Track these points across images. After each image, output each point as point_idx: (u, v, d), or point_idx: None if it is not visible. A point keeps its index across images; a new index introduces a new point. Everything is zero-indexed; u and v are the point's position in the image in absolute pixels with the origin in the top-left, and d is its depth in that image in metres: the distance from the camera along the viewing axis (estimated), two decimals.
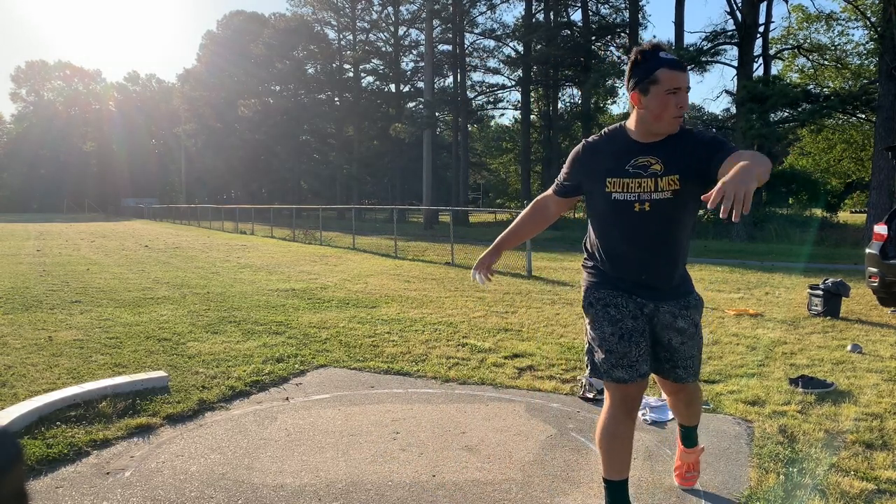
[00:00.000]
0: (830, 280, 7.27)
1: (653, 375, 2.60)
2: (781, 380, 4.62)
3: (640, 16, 28.60)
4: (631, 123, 2.44)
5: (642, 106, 2.37)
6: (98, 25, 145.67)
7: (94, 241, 21.15)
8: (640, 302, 2.48)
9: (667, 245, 2.44)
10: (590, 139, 2.56)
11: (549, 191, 2.72)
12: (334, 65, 49.01)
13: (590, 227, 2.59)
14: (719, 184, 1.92)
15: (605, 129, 2.55)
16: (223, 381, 4.48)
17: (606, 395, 2.53)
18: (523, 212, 2.83)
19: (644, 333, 2.46)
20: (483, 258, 2.80)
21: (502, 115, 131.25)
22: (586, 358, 2.56)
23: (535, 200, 2.80)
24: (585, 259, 2.65)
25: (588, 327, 2.55)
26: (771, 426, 3.71)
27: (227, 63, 51.46)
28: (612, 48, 32.38)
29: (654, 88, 2.32)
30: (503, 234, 2.82)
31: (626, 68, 2.45)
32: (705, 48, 25.09)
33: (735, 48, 24.03)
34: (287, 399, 4.24)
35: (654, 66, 2.33)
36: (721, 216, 1.86)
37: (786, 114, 24.14)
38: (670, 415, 3.90)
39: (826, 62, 29.46)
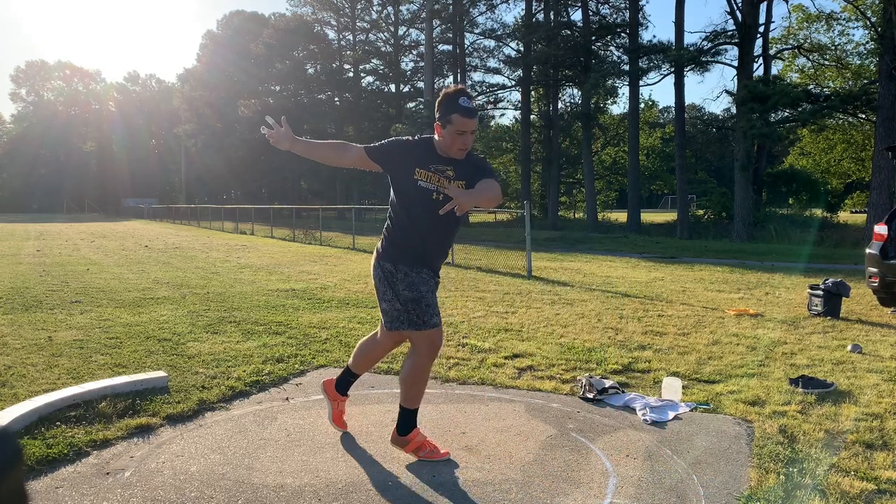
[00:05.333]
0: (830, 280, 7.27)
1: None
2: (781, 380, 4.62)
3: (640, 16, 28.55)
4: (437, 140, 3.07)
5: (440, 135, 3.02)
6: (98, 25, 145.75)
7: (94, 241, 21.15)
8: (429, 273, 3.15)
9: (447, 228, 3.11)
10: (408, 137, 3.16)
11: (360, 146, 3.13)
12: (334, 65, 48.99)
13: (393, 203, 3.13)
14: (455, 196, 2.70)
15: (418, 136, 3.16)
16: (223, 382, 4.48)
17: (421, 342, 3.12)
18: (330, 143, 3.15)
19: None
20: (286, 133, 3.02)
21: (502, 115, 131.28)
22: (403, 316, 3.08)
23: (343, 143, 3.17)
24: (386, 230, 3.18)
25: (395, 289, 3.08)
26: (771, 426, 3.71)
27: (227, 63, 51.42)
28: (612, 48, 32.30)
29: (449, 127, 2.96)
30: (308, 141, 3.12)
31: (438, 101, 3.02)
32: (705, 48, 25.11)
33: (735, 48, 24.04)
34: (287, 399, 4.24)
35: (451, 109, 2.93)
36: (440, 211, 2.76)
37: (786, 114, 24.12)
38: (670, 415, 3.91)
39: (826, 62, 29.46)
